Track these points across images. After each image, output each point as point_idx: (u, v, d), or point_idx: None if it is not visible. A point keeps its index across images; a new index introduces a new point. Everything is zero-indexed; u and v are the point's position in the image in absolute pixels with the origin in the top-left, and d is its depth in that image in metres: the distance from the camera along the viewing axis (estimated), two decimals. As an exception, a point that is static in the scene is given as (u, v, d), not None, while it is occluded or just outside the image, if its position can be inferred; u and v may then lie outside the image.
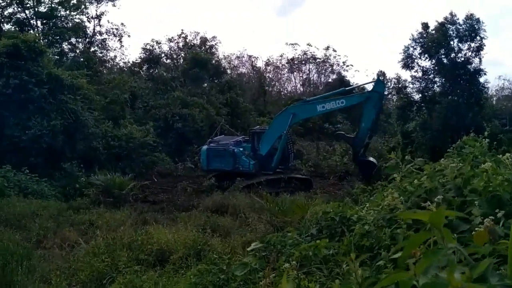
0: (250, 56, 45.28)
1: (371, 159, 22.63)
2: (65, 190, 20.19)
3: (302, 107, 23.12)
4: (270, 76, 46.17)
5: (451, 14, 27.19)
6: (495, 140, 5.50)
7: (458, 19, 27.08)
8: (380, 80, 25.49)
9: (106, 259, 9.55)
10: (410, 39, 28.04)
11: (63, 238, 12.59)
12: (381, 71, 47.81)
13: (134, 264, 9.41)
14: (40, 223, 13.81)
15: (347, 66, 44.22)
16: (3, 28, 30.61)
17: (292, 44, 50.79)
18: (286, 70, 46.05)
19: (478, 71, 27.00)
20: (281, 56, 47.22)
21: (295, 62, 44.47)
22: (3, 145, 21.32)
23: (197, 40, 38.70)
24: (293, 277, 3.99)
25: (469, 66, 26.96)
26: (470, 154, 4.06)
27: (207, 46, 38.45)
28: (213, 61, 36.51)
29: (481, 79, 27.42)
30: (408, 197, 3.53)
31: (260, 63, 49.21)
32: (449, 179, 3.42)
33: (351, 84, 42.29)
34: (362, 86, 26.71)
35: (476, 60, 27.04)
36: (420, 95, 28.55)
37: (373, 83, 23.50)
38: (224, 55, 42.44)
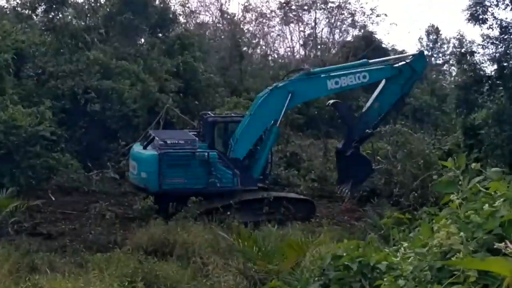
0: (218, -4, 45.35)
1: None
2: None
3: (305, 82, 23.42)
4: (251, 29, 46.24)
5: None
6: None
7: None
8: (423, 54, 27.00)
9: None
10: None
11: None
12: (433, 26, 48.47)
13: None
14: None
15: (378, 16, 44.56)
16: None
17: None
18: (278, 20, 46.18)
19: None
20: (269, -4, 47.42)
21: (293, 7, 44.59)
22: None
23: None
24: None
25: None
26: None
27: (145, -23, 38.32)
28: (157, 2, 36.33)
29: None
30: (472, 233, 3.49)
31: (234, 8, 49.34)
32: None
33: (383, 44, 42.75)
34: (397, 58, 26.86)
35: None
36: (496, 66, 28.75)
37: (411, 57, 24.89)
38: (174, -7, 42.38)
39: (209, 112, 25.60)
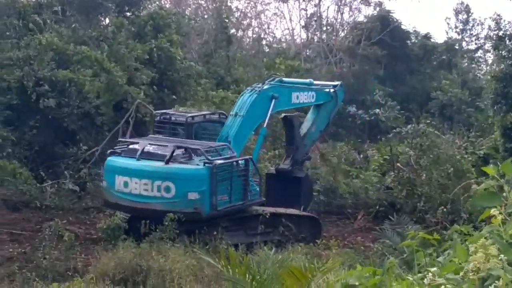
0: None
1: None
2: None
3: (281, 90, 24.85)
4: (241, 7, 46.35)
5: None
6: None
7: None
8: (343, 86, 28.72)
9: None
10: None
11: None
12: (462, 3, 48.65)
13: None
14: None
15: (397, -10, 44.77)
16: None
17: None
18: (272, -5, 46.32)
19: None
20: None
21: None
22: None
23: None
24: None
25: None
26: None
27: None
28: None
29: None
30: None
31: (220, -19, 49.41)
32: None
33: (402, 26, 42.88)
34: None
35: None
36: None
37: (335, 86, 27.29)
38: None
39: (166, 111, 25.53)
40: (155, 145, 22.46)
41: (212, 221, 21.54)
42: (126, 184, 21.32)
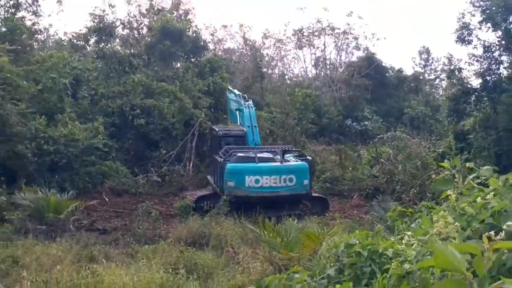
0: (241, 26, 45.30)
1: None
2: (-24, 214, 20.09)
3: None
4: (270, 53, 46.28)
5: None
6: None
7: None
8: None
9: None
10: (466, 2, 27.94)
11: (-25, 282, 12.53)
12: (424, 47, 48.25)
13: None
14: None
15: (378, 39, 44.54)
16: None
17: (301, 9, 51.22)
18: (293, 45, 46.18)
19: None
20: (285, 25, 47.44)
21: (305, 34, 44.55)
22: None
23: (167, 2, 38.69)
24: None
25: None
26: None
27: (181, 11, 38.41)
28: (190, 32, 36.40)
29: None
30: (467, 222, 3.48)
31: (255, 35, 49.33)
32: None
33: (383, 63, 42.58)
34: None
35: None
36: (481, 80, 28.49)
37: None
38: (205, 25, 42.59)
39: (214, 127, 26.07)
40: (263, 152, 22.52)
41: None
42: (257, 181, 21.00)
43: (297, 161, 22.40)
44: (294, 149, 24.63)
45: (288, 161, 22.16)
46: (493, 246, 1.91)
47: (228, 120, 28.56)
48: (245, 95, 27.94)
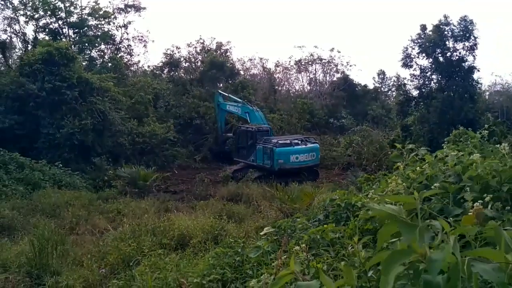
0: (261, 59, 45.08)
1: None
2: (94, 182, 20.39)
3: None
4: (280, 76, 45.87)
5: (444, 16, 26.76)
6: (489, 132, 5.40)
7: (451, 20, 26.66)
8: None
9: (132, 244, 9.59)
10: (409, 40, 27.66)
11: (94, 225, 12.71)
12: (381, 69, 47.46)
13: (158, 248, 9.44)
14: (72, 212, 13.95)
15: (351, 66, 43.89)
16: (38, 37, 30.85)
17: (300, 47, 50.58)
18: (294, 70, 45.61)
19: (472, 68, 26.54)
20: (289, 58, 47.11)
21: (302, 63, 44.07)
22: (40, 142, 21.60)
23: (213, 45, 38.42)
24: (303, 259, 3.91)
25: (463, 64, 26.50)
26: (470, 143, 3.96)
27: (222, 50, 38.17)
28: (228, 64, 36.22)
29: (475, 76, 27.00)
30: (410, 183, 3.41)
31: (270, 65, 49.00)
32: (449, 166, 3.32)
33: (354, 82, 42.00)
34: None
35: (471, 58, 26.60)
36: (418, 91, 28.12)
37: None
38: (237, 58, 42.46)
39: (239, 125, 24.87)
40: (295, 139, 22.08)
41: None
42: (296, 158, 20.75)
43: (313, 143, 22.17)
44: (307, 136, 24.32)
45: (307, 144, 21.78)
46: (423, 194, 1.86)
47: (216, 117, 27.11)
48: (248, 102, 26.77)
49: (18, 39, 32.28)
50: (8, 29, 31.10)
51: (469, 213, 2.07)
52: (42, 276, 8.39)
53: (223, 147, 25.67)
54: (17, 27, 31.34)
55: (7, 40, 31.20)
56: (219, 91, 27.72)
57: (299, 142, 21.73)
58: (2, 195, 15.87)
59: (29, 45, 31.13)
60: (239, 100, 26.11)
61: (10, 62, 30.67)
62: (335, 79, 43.94)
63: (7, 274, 8.32)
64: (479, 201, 2.31)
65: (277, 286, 1.76)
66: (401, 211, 1.49)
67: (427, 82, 27.75)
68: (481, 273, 1.34)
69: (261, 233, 5.88)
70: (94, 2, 31.96)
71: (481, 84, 29.22)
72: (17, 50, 33.23)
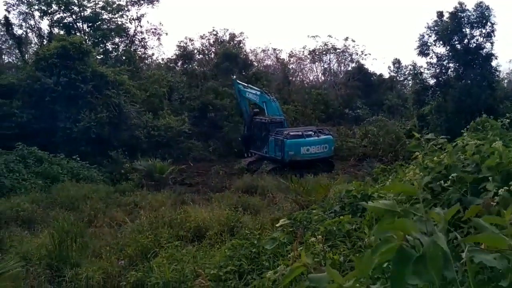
0: (274, 49, 44.76)
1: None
2: (112, 175, 20.62)
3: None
4: (294, 67, 45.59)
5: (459, 3, 26.17)
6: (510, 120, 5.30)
7: (467, 7, 26.09)
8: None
9: (149, 236, 9.71)
10: (425, 27, 27.13)
11: (112, 218, 12.87)
12: (396, 58, 46.80)
13: (175, 240, 9.54)
14: (91, 204, 14.16)
15: (366, 55, 43.33)
16: (53, 32, 31.21)
17: (313, 36, 50.16)
18: (308, 61, 45.28)
19: (490, 56, 25.96)
20: (303, 48, 46.71)
21: (317, 53, 43.66)
22: (57, 137, 21.93)
23: (226, 36, 38.41)
24: (319, 250, 3.91)
25: (481, 51, 25.95)
26: (491, 131, 3.90)
27: (235, 42, 38.10)
28: (242, 55, 36.15)
29: (493, 63, 26.40)
30: (429, 173, 3.38)
31: (284, 55, 48.68)
32: (468, 156, 3.27)
33: (369, 71, 41.52)
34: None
35: (488, 45, 26.03)
36: (435, 80, 27.64)
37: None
38: (251, 49, 42.20)
39: (256, 117, 24.11)
40: (307, 131, 21.90)
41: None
42: (308, 150, 20.51)
43: (326, 135, 21.90)
44: (321, 128, 24.05)
45: (320, 135, 21.48)
46: (421, 182, 1.85)
47: (239, 104, 26.19)
48: (266, 91, 26.31)
49: (34, 34, 32.78)
50: (24, 24, 31.60)
51: (491, 202, 2.03)
52: (62, 268, 8.57)
53: (259, 133, 23.54)
54: (32, 22, 31.83)
55: (23, 35, 31.66)
56: (237, 80, 27.21)
57: (312, 133, 21.40)
58: (22, 188, 16.20)
59: (44, 40, 31.54)
60: (258, 89, 25.61)
61: (26, 57, 31.13)
62: (349, 68, 43.54)
63: (28, 266, 8.52)
64: (503, 188, 2.25)
65: (289, 279, 1.78)
66: (395, 206, 1.48)
67: (444, 71, 27.26)
68: (485, 262, 1.36)
69: (277, 225, 5.89)
70: (107, -5, 32.17)
71: (499, 71, 28.60)
72: (32, 45, 33.75)
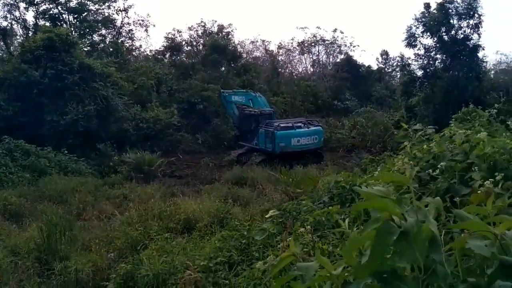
0: (263, 41, 44.58)
1: None
2: (100, 168, 20.45)
3: None
4: (282, 58, 45.47)
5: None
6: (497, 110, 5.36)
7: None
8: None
9: (139, 228, 9.68)
10: (412, 18, 27.32)
11: (101, 211, 12.80)
12: (384, 50, 46.97)
13: (164, 232, 9.53)
14: (79, 197, 14.06)
15: (354, 46, 43.43)
16: (39, 24, 30.67)
17: (302, 28, 50.12)
18: (297, 52, 45.21)
19: (477, 47, 26.21)
20: (292, 39, 46.57)
21: (305, 44, 43.59)
22: (44, 130, 21.64)
23: (214, 27, 38.11)
24: (308, 240, 3.93)
25: (468, 42, 26.16)
26: (478, 121, 3.93)
27: (224, 33, 37.84)
28: (230, 47, 35.93)
29: (480, 54, 26.65)
30: (417, 162, 3.39)
31: (272, 47, 48.51)
32: (456, 145, 3.29)
33: (357, 62, 41.61)
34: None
35: (475, 36, 26.25)
36: (423, 71, 27.87)
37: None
38: (239, 41, 41.97)
39: (245, 108, 23.68)
40: (297, 122, 21.74)
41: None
42: (298, 141, 20.40)
43: (316, 126, 21.85)
44: (310, 119, 24.02)
45: (310, 127, 21.40)
46: (413, 172, 1.87)
47: (227, 111, 25.98)
48: (250, 90, 26.31)
49: (19, 25, 32.20)
50: (9, 15, 31.00)
51: (478, 192, 2.05)
52: (51, 261, 8.51)
53: (249, 126, 23.10)
54: (17, 13, 31.22)
55: (8, 27, 31.08)
56: (222, 90, 27.01)
57: (302, 125, 21.40)
58: (9, 182, 16.00)
59: (30, 32, 30.99)
60: (242, 90, 25.76)
61: (11, 49, 30.57)
62: (338, 60, 43.58)
63: (16, 259, 8.44)
64: (489, 180, 2.29)
65: (278, 268, 1.79)
66: (390, 192, 1.48)
67: (431, 62, 27.48)
68: (476, 250, 1.39)
69: (267, 216, 5.91)
70: (93, -14, 31.66)
71: (486, 62, 28.91)
72: (18, 37, 33.16)
